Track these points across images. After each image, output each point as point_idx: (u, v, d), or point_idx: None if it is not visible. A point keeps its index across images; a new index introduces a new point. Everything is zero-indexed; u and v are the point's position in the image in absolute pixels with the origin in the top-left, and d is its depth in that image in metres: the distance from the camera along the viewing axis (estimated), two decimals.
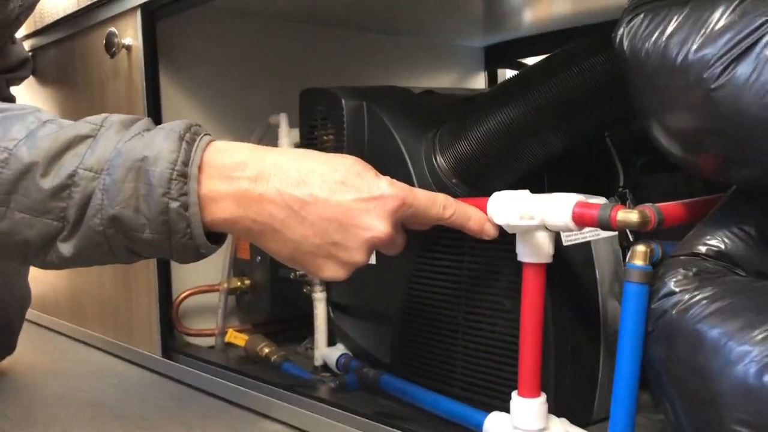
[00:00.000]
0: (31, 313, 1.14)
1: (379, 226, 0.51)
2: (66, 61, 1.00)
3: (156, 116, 0.85)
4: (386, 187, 0.52)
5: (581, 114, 0.65)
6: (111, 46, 0.84)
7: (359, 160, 0.54)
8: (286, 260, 0.53)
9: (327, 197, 0.50)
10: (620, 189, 0.75)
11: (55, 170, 0.47)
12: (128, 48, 0.84)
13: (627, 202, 0.72)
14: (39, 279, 1.09)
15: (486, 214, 0.56)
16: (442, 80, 1.28)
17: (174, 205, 0.48)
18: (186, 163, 0.48)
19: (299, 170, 0.50)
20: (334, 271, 0.53)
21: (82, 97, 0.97)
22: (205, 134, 0.51)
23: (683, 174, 0.75)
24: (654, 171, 0.81)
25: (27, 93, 1.09)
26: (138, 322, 0.89)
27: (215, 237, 0.52)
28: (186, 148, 0.49)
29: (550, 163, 0.74)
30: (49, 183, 0.47)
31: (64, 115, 1.03)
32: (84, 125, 0.49)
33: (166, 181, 0.47)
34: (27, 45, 1.06)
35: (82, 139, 0.48)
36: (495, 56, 1.36)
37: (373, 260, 0.76)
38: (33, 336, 1.07)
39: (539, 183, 0.77)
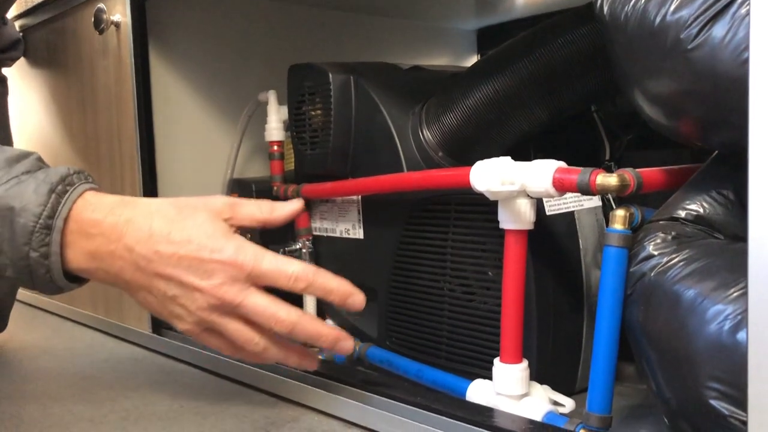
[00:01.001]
0: (23, 294, 1.15)
1: (213, 290, 0.53)
2: (56, 41, 1.00)
3: (145, 94, 0.85)
4: (231, 251, 0.53)
5: (566, 86, 0.65)
6: (99, 23, 0.84)
7: (217, 218, 0.55)
8: (153, 312, 0.57)
9: (171, 254, 0.52)
10: (606, 162, 0.76)
11: None
12: (117, 25, 0.84)
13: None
14: None
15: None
16: (436, 62, 1.28)
17: (34, 254, 0.52)
18: (51, 216, 0.52)
19: (151, 227, 0.53)
20: (183, 327, 0.56)
21: (72, 77, 0.97)
22: (83, 183, 0.55)
23: (672, 149, 0.75)
24: (642, 147, 0.81)
25: (18, 74, 1.09)
26: (127, 299, 0.89)
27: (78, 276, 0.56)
28: (54, 200, 0.52)
29: (537, 138, 0.75)
30: None
31: (55, 95, 1.03)
32: None
33: (29, 232, 0.51)
34: (17, 25, 1.06)
35: None
36: (488, 39, 1.36)
37: (360, 235, 0.77)
38: (25, 316, 1.08)
39: (525, 155, 0.77)
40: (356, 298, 0.56)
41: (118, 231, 0.53)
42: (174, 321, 0.56)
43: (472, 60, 1.35)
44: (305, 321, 0.55)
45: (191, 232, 0.53)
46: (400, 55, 1.22)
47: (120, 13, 0.83)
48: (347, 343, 0.57)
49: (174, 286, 0.53)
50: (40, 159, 0.57)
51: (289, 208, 0.61)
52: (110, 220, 0.53)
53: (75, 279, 0.56)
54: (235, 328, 0.55)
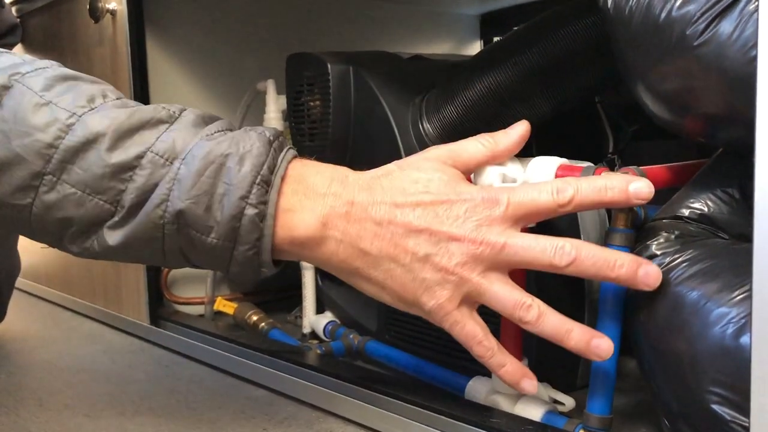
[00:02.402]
0: (22, 283, 1.15)
1: (472, 234, 0.44)
2: (53, 27, 0.98)
3: (141, 83, 0.84)
4: (476, 190, 0.45)
5: (569, 78, 0.64)
6: (95, 11, 0.83)
7: (445, 165, 0.48)
8: (395, 295, 0.47)
9: (414, 204, 0.45)
10: (609, 155, 0.74)
11: (124, 146, 0.44)
12: (113, 13, 0.82)
13: (615, 168, 0.71)
14: (29, 249, 1.09)
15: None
16: (438, 48, 1.27)
17: (250, 211, 0.44)
18: (272, 170, 0.45)
19: (382, 185, 0.46)
20: (439, 301, 0.46)
21: (69, 64, 0.95)
22: (290, 147, 0.48)
23: (678, 141, 0.74)
24: (648, 138, 0.80)
25: None
26: (126, 290, 0.89)
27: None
28: (273, 154, 0.46)
29: (539, 130, 0.74)
30: (113, 158, 0.43)
31: None
32: (160, 110, 0.46)
33: (249, 183, 0.44)
34: (14, 10, 1.05)
35: (158, 122, 0.45)
36: (491, 24, 1.34)
37: None
38: (24, 305, 1.08)
39: (528, 149, 0.76)
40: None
41: (349, 190, 0.46)
42: (426, 296, 0.45)
43: (475, 46, 1.34)
44: (592, 251, 0.44)
45: (428, 182, 0.46)
46: (402, 41, 1.20)
47: (115, 1, 0.82)
48: (607, 346, 0.46)
49: (424, 242, 0.44)
50: (231, 123, 0.50)
51: (514, 135, 0.50)
52: (339, 180, 0.47)
53: (277, 263, 0.48)
54: (501, 288, 0.45)
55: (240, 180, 0.44)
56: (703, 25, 0.42)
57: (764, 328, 0.35)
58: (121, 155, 0.44)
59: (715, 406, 0.42)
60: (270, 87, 0.87)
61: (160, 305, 0.88)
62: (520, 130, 0.50)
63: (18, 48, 1.06)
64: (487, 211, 0.44)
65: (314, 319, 0.81)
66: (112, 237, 0.45)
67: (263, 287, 0.97)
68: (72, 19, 0.92)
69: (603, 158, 0.75)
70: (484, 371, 0.58)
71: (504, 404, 0.55)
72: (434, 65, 0.80)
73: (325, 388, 0.62)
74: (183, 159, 0.44)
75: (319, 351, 0.71)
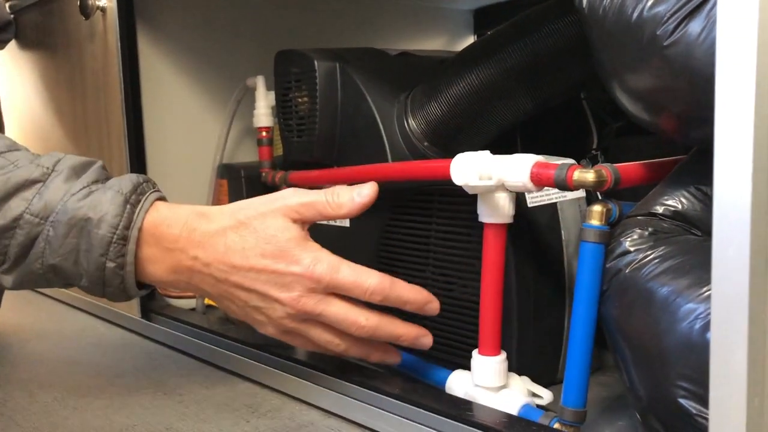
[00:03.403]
0: None
1: (292, 302, 0.53)
2: (45, 23, 0.99)
3: (132, 78, 0.84)
4: (307, 263, 0.53)
5: (551, 76, 0.64)
6: (85, 8, 0.83)
7: (290, 224, 0.55)
8: (235, 317, 0.58)
9: (249, 267, 0.53)
10: (593, 151, 0.75)
11: (2, 212, 0.51)
12: (103, 9, 0.83)
13: (599, 162, 0.72)
14: None
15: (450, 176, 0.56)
16: (431, 44, 1.27)
17: (111, 265, 0.53)
18: (127, 227, 0.53)
19: (226, 243, 0.54)
20: (266, 331, 0.57)
21: (61, 60, 0.96)
22: (152, 192, 0.56)
23: (663, 137, 0.74)
24: (634, 133, 0.81)
25: (8, 56, 1.08)
26: None
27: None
28: (129, 211, 0.53)
29: (524, 126, 0.74)
30: None
31: (45, 78, 1.03)
32: (35, 169, 0.53)
33: (106, 244, 0.52)
34: (7, 7, 1.05)
35: (31, 183, 0.52)
36: (485, 19, 1.34)
37: (347, 223, 0.77)
38: (19, 297, 1.08)
39: (512, 145, 0.77)
40: (432, 306, 0.56)
41: (194, 247, 0.54)
42: (257, 326, 0.57)
43: (469, 41, 1.34)
44: (384, 324, 0.55)
45: (265, 245, 0.53)
46: (395, 36, 1.21)
47: None
48: (427, 339, 0.57)
49: (255, 298, 0.54)
50: (104, 167, 0.57)
51: (359, 200, 0.57)
52: (186, 236, 0.54)
53: (142, 286, 0.57)
54: (316, 333, 0.56)
55: (98, 241, 0.52)
56: (672, 26, 0.43)
57: (722, 321, 0.35)
58: (1, 220, 0.51)
59: (681, 400, 0.43)
60: (259, 83, 0.88)
61: (151, 299, 0.89)
62: (367, 193, 0.57)
63: (11, 44, 1.07)
64: (310, 283, 0.53)
65: None
66: (7, 280, 0.54)
67: None
68: (64, 15, 0.93)
69: (586, 154, 0.76)
70: (468, 365, 0.59)
71: (482, 398, 0.56)
72: (421, 62, 0.81)
73: (307, 380, 0.63)
74: (52, 222, 0.52)
75: None
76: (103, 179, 0.56)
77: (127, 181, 0.55)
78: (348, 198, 0.56)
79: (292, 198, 0.56)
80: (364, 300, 0.55)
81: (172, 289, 0.58)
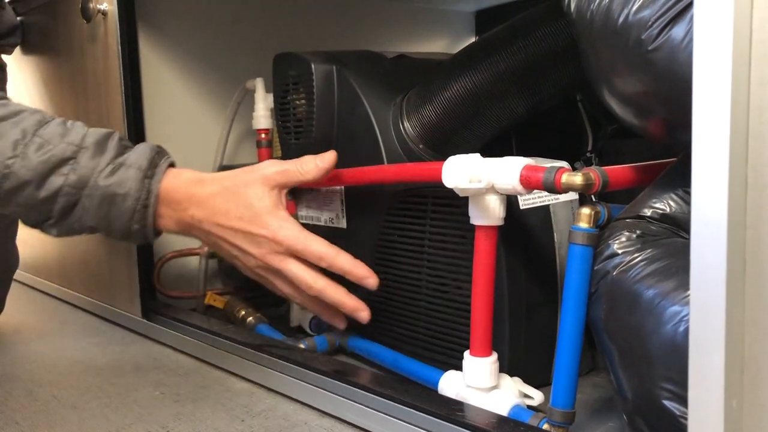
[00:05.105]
0: (22, 276, 1.17)
1: (261, 256, 0.66)
2: (49, 26, 1.00)
3: (134, 81, 0.85)
4: (273, 228, 0.65)
5: (544, 79, 0.65)
6: (86, 12, 0.84)
7: (268, 191, 0.67)
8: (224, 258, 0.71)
9: (229, 227, 0.66)
10: (587, 153, 0.75)
11: (45, 186, 0.63)
12: (104, 13, 0.84)
13: (592, 165, 0.72)
14: (29, 242, 1.11)
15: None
16: (432, 46, 1.28)
17: (135, 226, 0.66)
18: (147, 198, 0.65)
19: (215, 206, 0.66)
20: (245, 273, 0.70)
21: (64, 63, 0.97)
22: (162, 161, 0.67)
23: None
24: (630, 136, 0.81)
25: (12, 59, 1.10)
26: (119, 284, 0.91)
27: None
28: (147, 185, 0.65)
29: (519, 128, 0.75)
30: (41, 195, 0.63)
31: (49, 81, 1.04)
32: (66, 147, 0.64)
33: (131, 212, 0.65)
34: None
35: (66, 161, 0.64)
36: (486, 21, 1.35)
37: (343, 224, 0.77)
38: (23, 297, 1.10)
39: (507, 147, 0.77)
40: (369, 281, 0.65)
41: (192, 207, 0.67)
42: (239, 268, 0.70)
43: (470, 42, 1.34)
44: (330, 290, 0.66)
45: (244, 210, 0.66)
46: (397, 38, 1.21)
47: (107, 1, 0.84)
48: (363, 314, 0.66)
49: (234, 249, 0.67)
50: (121, 138, 0.68)
51: (322, 165, 0.68)
52: (186, 198, 0.67)
53: (158, 233, 0.70)
54: (279, 284, 0.68)
55: (125, 210, 0.65)
56: (656, 30, 0.43)
57: (700, 324, 0.36)
58: (45, 192, 0.64)
59: (666, 402, 0.43)
60: (259, 85, 0.89)
61: (152, 299, 0.90)
62: (328, 159, 0.68)
63: (17, 48, 1.08)
64: (274, 245, 0.65)
65: (300, 314, 0.83)
66: (52, 231, 0.67)
67: (254, 282, 0.98)
68: (66, 18, 0.94)
69: (581, 156, 0.76)
70: (461, 365, 0.60)
71: (473, 398, 0.57)
72: (417, 64, 0.81)
73: (302, 381, 0.63)
74: (87, 195, 0.65)
75: (303, 346, 0.73)
76: (123, 152, 0.67)
77: (143, 157, 0.66)
78: (313, 165, 0.68)
79: (270, 168, 0.68)
80: (315, 264, 0.65)
81: (178, 234, 0.71)
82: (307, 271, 0.65)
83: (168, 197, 0.67)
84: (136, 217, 0.65)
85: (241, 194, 0.66)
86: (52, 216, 0.65)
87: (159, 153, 0.68)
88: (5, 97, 0.67)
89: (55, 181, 0.63)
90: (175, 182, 0.67)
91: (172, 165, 0.69)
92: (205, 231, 0.67)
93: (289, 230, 0.65)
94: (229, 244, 0.67)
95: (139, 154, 0.66)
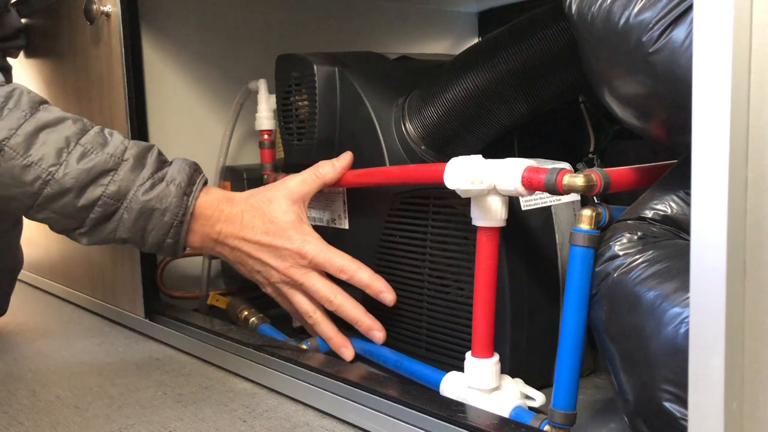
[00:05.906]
0: (26, 276, 1.17)
1: (284, 270, 0.69)
2: (52, 29, 1.01)
3: (137, 82, 0.86)
4: (298, 243, 0.68)
5: (545, 81, 0.65)
6: (89, 13, 0.85)
7: (292, 206, 0.70)
8: (244, 275, 0.74)
9: (255, 241, 0.69)
10: (590, 154, 0.75)
11: (85, 195, 0.64)
12: (107, 15, 0.84)
13: (594, 166, 0.72)
14: (33, 243, 1.12)
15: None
16: (436, 47, 1.28)
17: (169, 241, 0.68)
18: (184, 214, 0.68)
19: (242, 221, 0.69)
20: (264, 290, 0.73)
21: (68, 65, 0.98)
22: (199, 180, 0.70)
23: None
24: (633, 137, 0.81)
25: (15, 61, 1.10)
26: (122, 285, 0.91)
27: None
28: (186, 202, 0.68)
29: (521, 129, 0.75)
30: (80, 203, 0.64)
31: (52, 83, 1.04)
32: (108, 159, 0.65)
33: (169, 227, 0.67)
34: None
35: (107, 172, 0.65)
36: (489, 22, 1.35)
37: (345, 225, 0.78)
38: (28, 297, 1.10)
39: (509, 149, 0.77)
40: (386, 296, 0.68)
41: (220, 223, 0.69)
42: (260, 285, 0.73)
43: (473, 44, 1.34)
44: (349, 306, 0.69)
45: (269, 225, 0.69)
46: (400, 39, 1.21)
47: (110, 3, 0.84)
48: (379, 334, 0.69)
49: (258, 264, 0.70)
50: (160, 153, 0.70)
51: (339, 167, 0.72)
52: (216, 216, 0.69)
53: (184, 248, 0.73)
54: (299, 299, 0.70)
55: (163, 225, 0.67)
56: (657, 33, 0.44)
57: (700, 326, 0.36)
58: (83, 201, 0.65)
59: (666, 404, 0.43)
60: (261, 87, 0.89)
61: (155, 299, 0.90)
62: (345, 159, 0.72)
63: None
64: (298, 258, 0.69)
65: None
66: (82, 239, 0.68)
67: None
68: (70, 20, 0.94)
69: (583, 157, 0.76)
70: (460, 367, 0.60)
71: (475, 399, 0.57)
72: (419, 66, 0.81)
73: (304, 381, 0.63)
74: (126, 207, 0.66)
75: (305, 346, 0.73)
76: (162, 167, 0.68)
77: (183, 173, 0.68)
78: (330, 167, 0.72)
79: (291, 181, 0.72)
80: (335, 275, 0.68)
81: (201, 252, 0.75)
82: (328, 286, 0.69)
83: (200, 213, 0.69)
84: (172, 232, 0.67)
85: (266, 210, 0.70)
86: (84, 224, 0.66)
87: (197, 171, 0.71)
88: (47, 102, 0.67)
89: (95, 191, 0.64)
90: (207, 199, 0.70)
91: (205, 182, 0.72)
92: (231, 246, 0.69)
93: (313, 244, 0.68)
94: (253, 259, 0.69)
95: (178, 170, 0.68)
